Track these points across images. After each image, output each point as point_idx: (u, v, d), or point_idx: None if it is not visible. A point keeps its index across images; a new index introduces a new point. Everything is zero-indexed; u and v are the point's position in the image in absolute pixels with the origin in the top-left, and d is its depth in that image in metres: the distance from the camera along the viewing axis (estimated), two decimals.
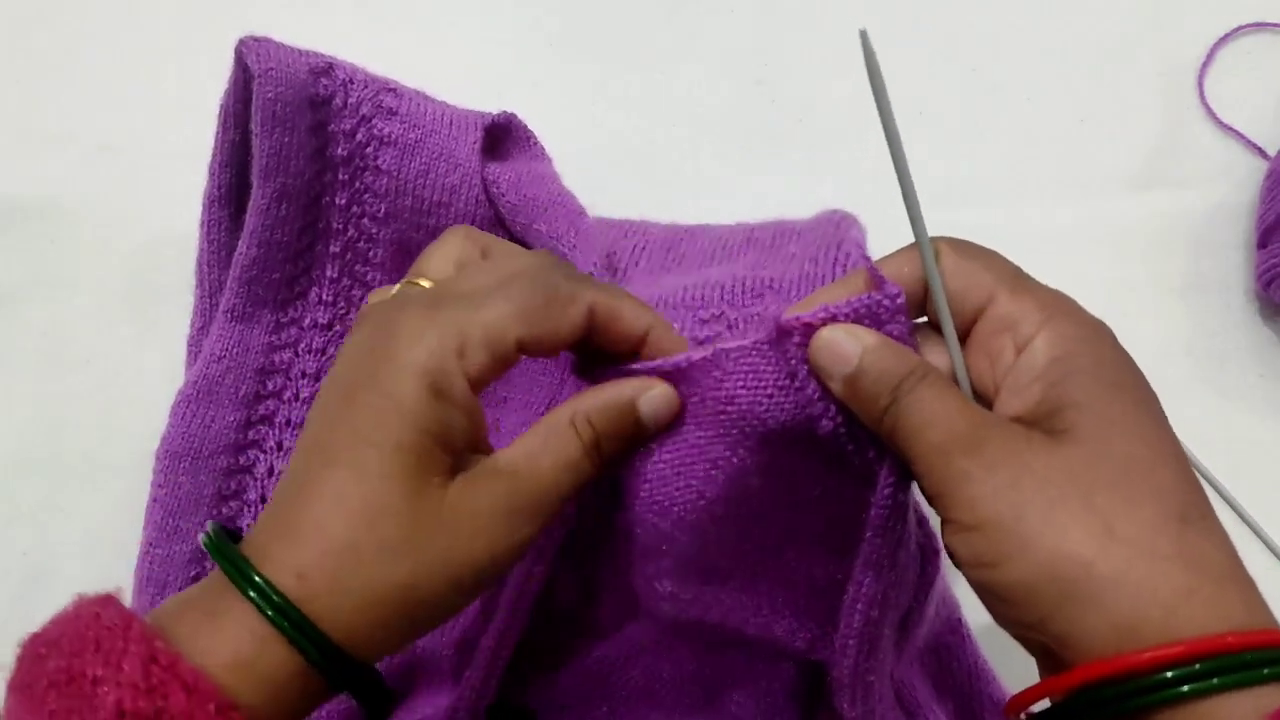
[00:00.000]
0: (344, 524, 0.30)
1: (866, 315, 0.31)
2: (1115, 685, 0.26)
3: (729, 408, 0.34)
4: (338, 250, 0.49)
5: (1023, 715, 0.29)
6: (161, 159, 0.56)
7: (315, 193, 0.48)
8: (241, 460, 0.49)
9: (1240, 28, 0.60)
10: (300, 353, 0.50)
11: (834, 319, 0.31)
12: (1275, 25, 0.60)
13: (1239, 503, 0.52)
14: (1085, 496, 0.27)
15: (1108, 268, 0.57)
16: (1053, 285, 0.55)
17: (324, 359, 0.50)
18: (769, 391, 0.33)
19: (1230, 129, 0.58)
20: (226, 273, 0.50)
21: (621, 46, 0.61)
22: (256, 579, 0.29)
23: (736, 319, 0.41)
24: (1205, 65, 0.60)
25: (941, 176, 0.58)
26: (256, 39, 0.46)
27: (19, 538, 0.51)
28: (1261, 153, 0.58)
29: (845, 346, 0.31)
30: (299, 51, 0.46)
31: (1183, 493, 0.28)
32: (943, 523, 0.29)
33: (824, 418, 0.33)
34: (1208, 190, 0.58)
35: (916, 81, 0.59)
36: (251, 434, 0.49)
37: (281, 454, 0.50)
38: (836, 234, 0.44)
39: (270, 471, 0.49)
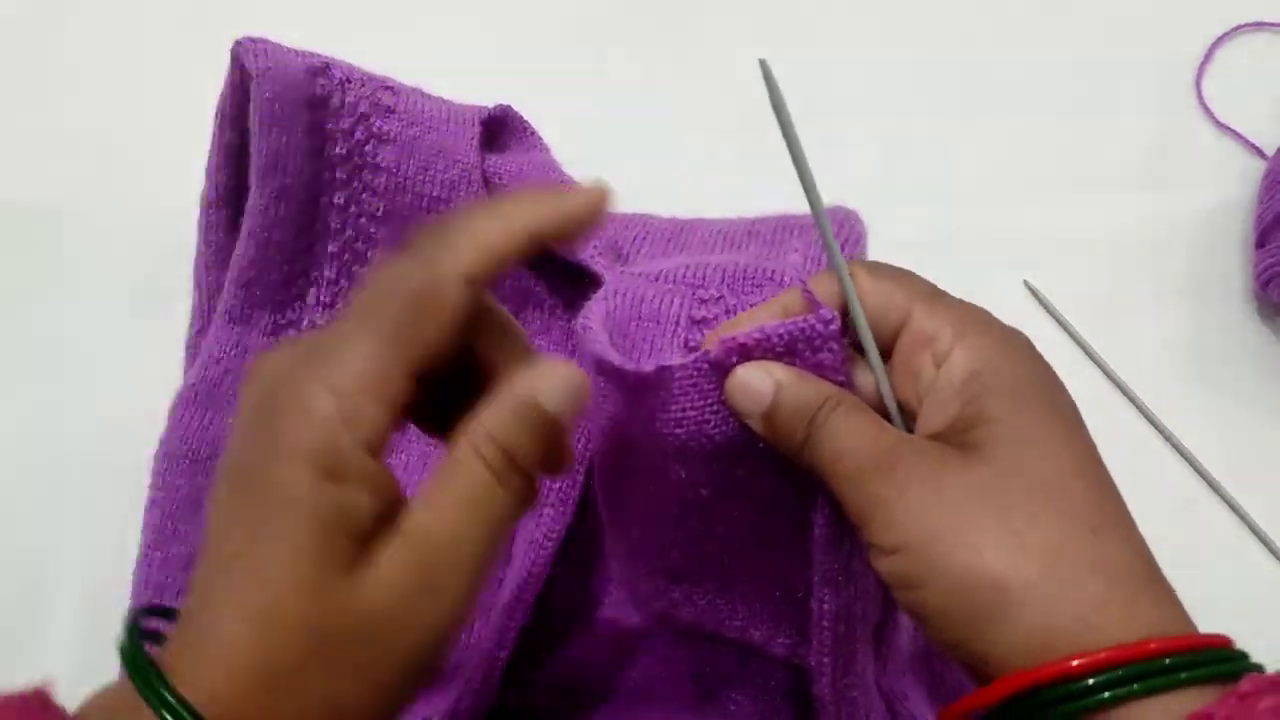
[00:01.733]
0: (250, 647, 0.26)
1: (800, 338, 0.31)
2: (1038, 695, 0.26)
3: (678, 430, 0.34)
4: (335, 250, 0.49)
5: None
6: (161, 161, 0.56)
7: (313, 193, 0.48)
8: None
9: (1238, 27, 0.60)
10: None
11: (768, 339, 0.31)
12: (1274, 25, 0.60)
13: (1238, 502, 0.52)
14: (997, 512, 0.27)
15: (1106, 267, 0.57)
16: (1052, 285, 0.56)
17: None
18: (714, 408, 0.33)
19: (1228, 129, 0.58)
20: (224, 275, 0.50)
21: (620, 47, 0.61)
22: (170, 701, 0.26)
23: (735, 305, 0.41)
24: (1203, 65, 0.60)
25: (939, 177, 0.58)
26: (253, 39, 0.46)
27: (18, 540, 0.51)
28: (1260, 152, 0.58)
29: (759, 384, 0.31)
30: (295, 52, 0.46)
31: (1095, 504, 0.28)
32: (867, 548, 0.30)
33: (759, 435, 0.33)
34: (1206, 190, 0.58)
35: (915, 81, 0.59)
36: None
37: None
38: (840, 231, 0.44)
39: None
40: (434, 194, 0.47)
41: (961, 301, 0.32)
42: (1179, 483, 0.53)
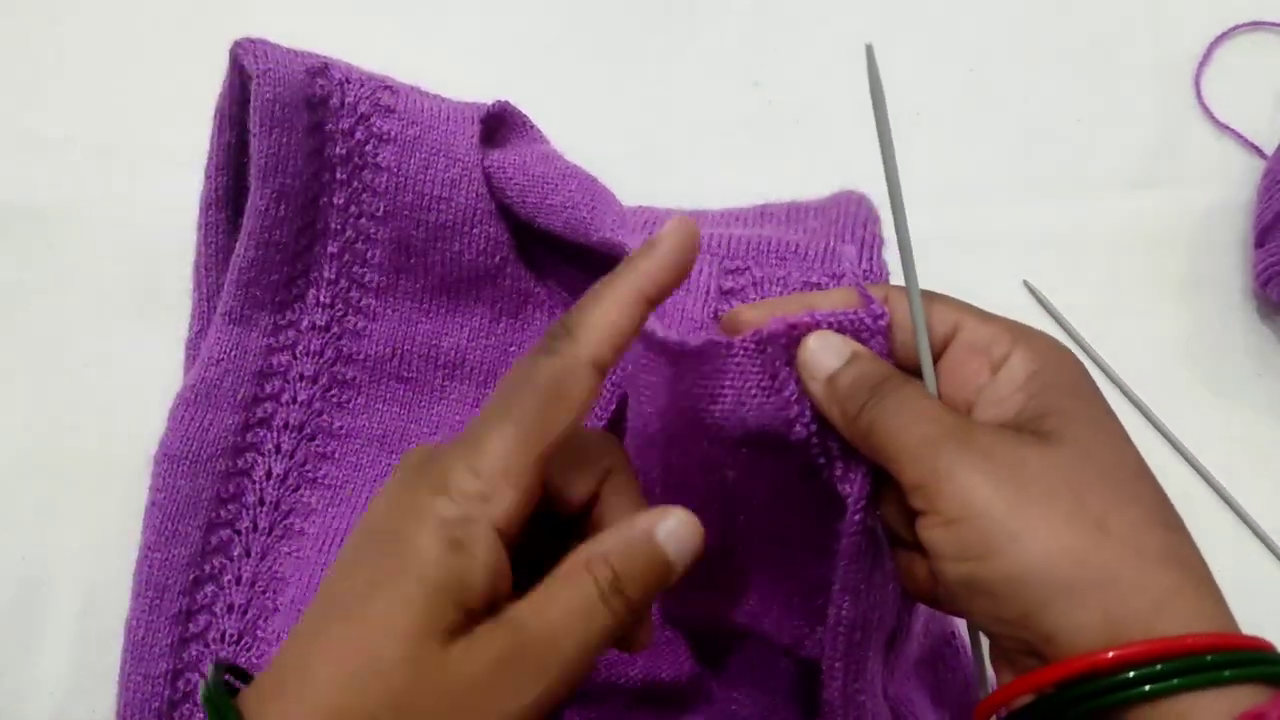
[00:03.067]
0: (335, 684, 0.28)
1: (849, 329, 0.32)
2: (1081, 685, 0.26)
3: (713, 406, 0.34)
4: (335, 251, 0.49)
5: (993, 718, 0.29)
6: (160, 162, 0.56)
7: (313, 193, 0.48)
8: (240, 463, 0.49)
9: (1237, 27, 0.60)
10: (298, 355, 0.50)
11: (818, 325, 0.32)
12: (1272, 24, 0.60)
13: (1238, 502, 0.52)
14: (1077, 494, 0.27)
15: (1105, 267, 0.57)
16: (1052, 285, 0.56)
17: (322, 361, 0.50)
18: (752, 391, 0.34)
19: (1227, 128, 0.58)
20: (224, 275, 0.50)
21: (618, 48, 0.61)
22: None
23: (761, 278, 0.41)
24: (1202, 64, 0.60)
25: (938, 177, 0.58)
26: (252, 40, 0.46)
27: (18, 542, 0.51)
28: (1259, 152, 0.58)
29: (831, 348, 0.32)
30: (295, 52, 0.46)
31: (1163, 503, 0.29)
32: (921, 515, 0.29)
33: (798, 422, 0.33)
34: (1205, 189, 0.58)
35: (914, 82, 0.59)
36: (250, 437, 0.49)
37: (279, 456, 0.50)
38: (859, 212, 0.44)
39: (268, 474, 0.49)
40: (435, 192, 0.47)
41: (1009, 319, 0.33)
42: (1178, 482, 0.53)
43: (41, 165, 0.57)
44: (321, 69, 0.46)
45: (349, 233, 0.49)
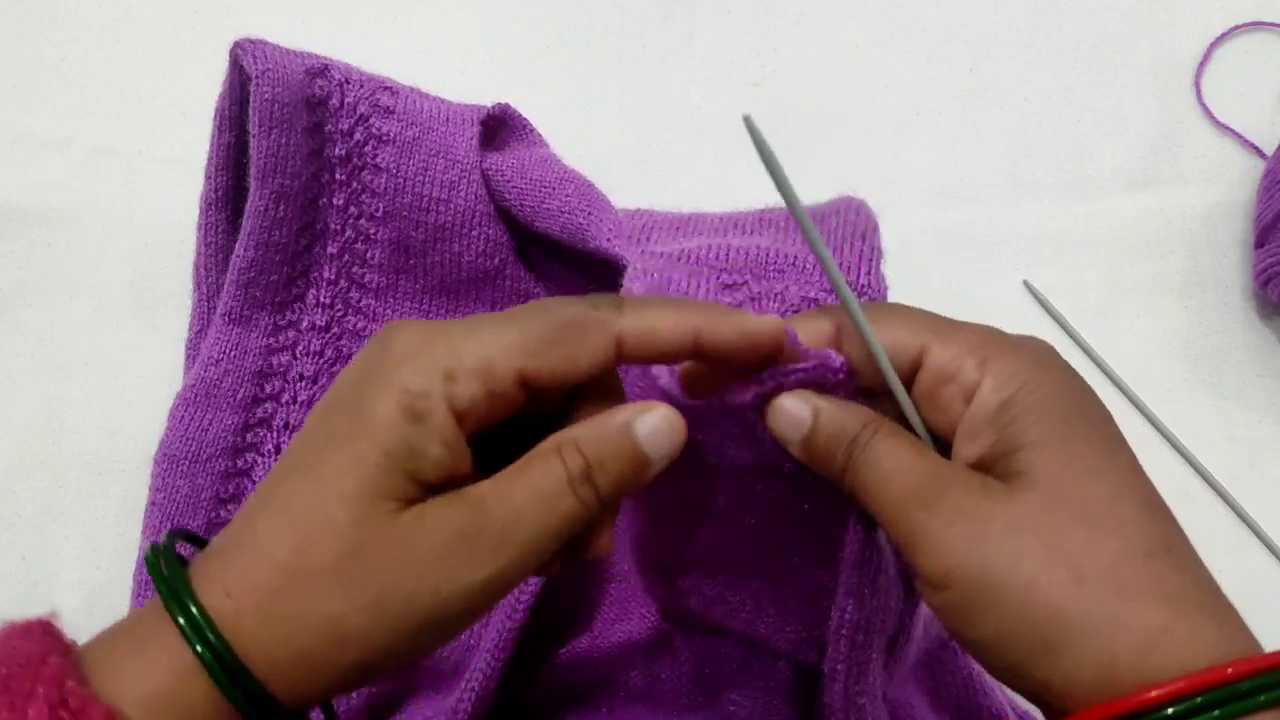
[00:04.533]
0: (283, 541, 0.28)
1: (812, 382, 0.31)
2: None
3: (699, 437, 0.34)
4: (335, 251, 0.49)
5: None
6: (159, 162, 0.56)
7: (313, 194, 0.48)
8: (239, 463, 0.49)
9: (1237, 27, 0.60)
10: (298, 355, 0.50)
11: (780, 387, 0.31)
12: (1272, 25, 0.60)
13: (1238, 502, 0.52)
14: (1049, 541, 0.27)
15: (1105, 267, 0.57)
16: (1052, 285, 0.56)
17: (321, 362, 0.50)
18: (731, 442, 0.34)
19: (1227, 128, 0.58)
20: (224, 276, 0.50)
21: (618, 49, 0.61)
22: (190, 607, 0.27)
23: (760, 293, 0.41)
24: (1202, 64, 0.60)
25: (937, 177, 0.58)
26: (252, 41, 0.46)
27: (18, 542, 0.51)
28: (1259, 152, 0.58)
29: (797, 412, 0.31)
30: (294, 53, 0.46)
31: (1147, 525, 0.28)
32: (915, 577, 0.29)
33: (785, 461, 0.33)
34: (1205, 190, 0.58)
35: (913, 82, 0.59)
36: (249, 437, 0.49)
37: (279, 457, 0.50)
38: (858, 222, 0.44)
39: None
40: (434, 194, 0.47)
41: (975, 326, 0.31)
42: (1178, 482, 0.53)
43: (41, 165, 0.57)
44: (321, 70, 0.46)
45: (349, 233, 0.49)
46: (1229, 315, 0.56)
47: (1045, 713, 0.29)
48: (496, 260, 0.49)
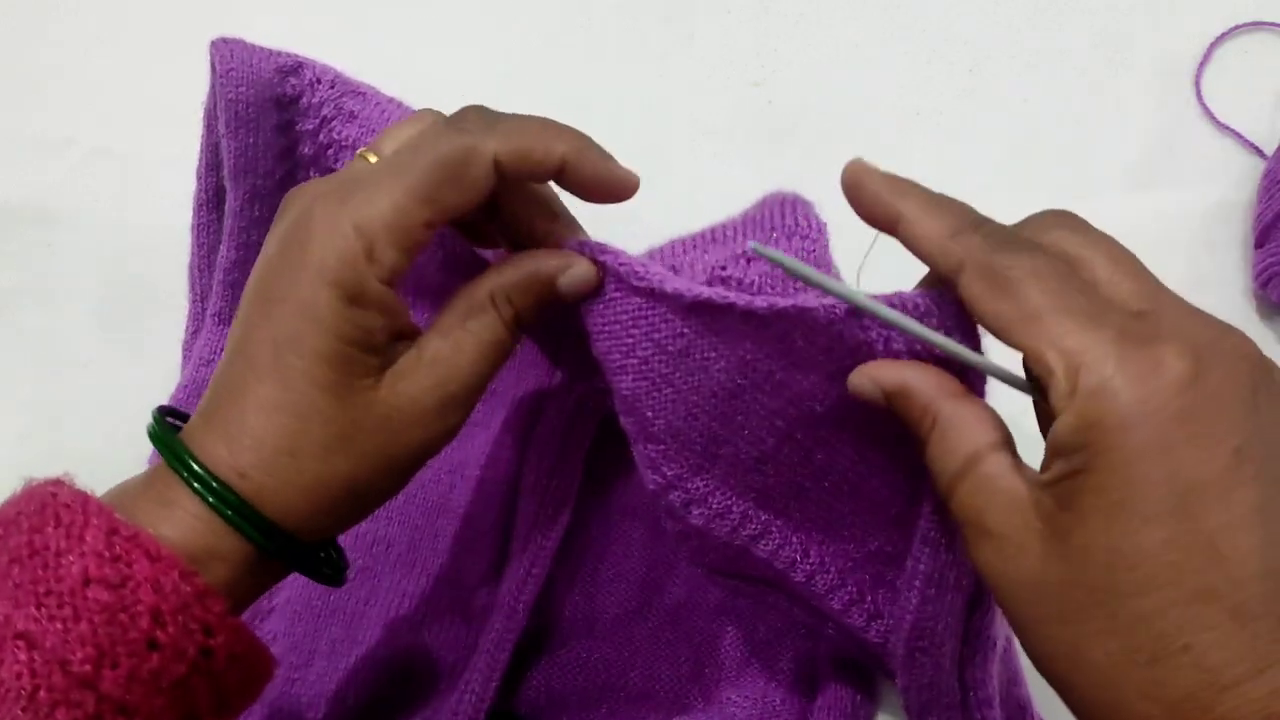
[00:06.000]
0: (279, 432, 0.32)
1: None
2: None
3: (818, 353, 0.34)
4: None
5: None
6: (157, 163, 0.56)
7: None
8: None
9: (1237, 27, 0.60)
10: None
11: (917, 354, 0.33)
12: (1273, 25, 0.60)
13: None
14: (1064, 618, 0.27)
15: None
16: None
17: None
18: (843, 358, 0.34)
19: (1228, 128, 0.58)
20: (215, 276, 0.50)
21: (618, 48, 0.61)
22: (198, 470, 0.31)
23: (763, 269, 0.40)
24: (1203, 64, 0.60)
25: (937, 177, 0.58)
26: (225, 40, 0.45)
27: None
28: (1259, 152, 0.58)
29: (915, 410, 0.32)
30: (267, 51, 0.46)
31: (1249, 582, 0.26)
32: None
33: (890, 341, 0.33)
34: (1205, 190, 0.58)
35: (913, 82, 0.59)
36: None
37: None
38: (787, 226, 0.42)
39: None
40: None
41: (1090, 314, 0.29)
42: None
43: (41, 165, 0.57)
44: (294, 68, 0.46)
45: None
46: (1229, 315, 0.54)
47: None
48: (464, 264, 0.48)
